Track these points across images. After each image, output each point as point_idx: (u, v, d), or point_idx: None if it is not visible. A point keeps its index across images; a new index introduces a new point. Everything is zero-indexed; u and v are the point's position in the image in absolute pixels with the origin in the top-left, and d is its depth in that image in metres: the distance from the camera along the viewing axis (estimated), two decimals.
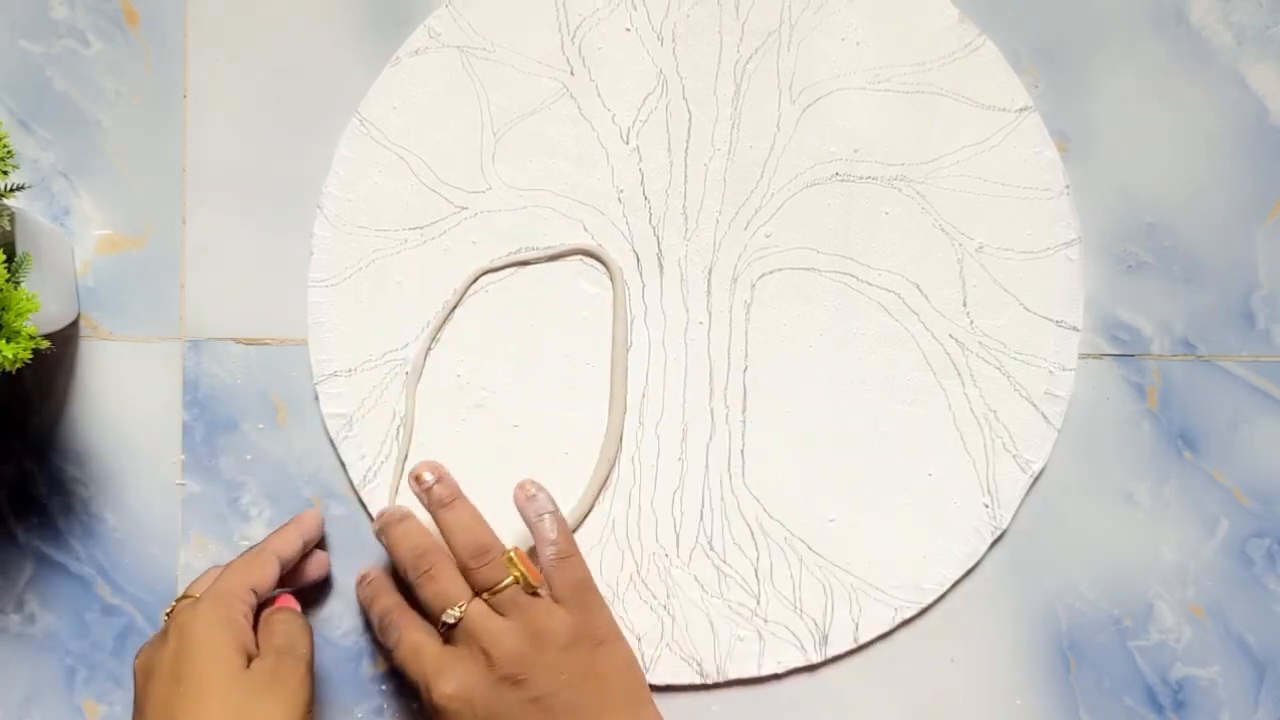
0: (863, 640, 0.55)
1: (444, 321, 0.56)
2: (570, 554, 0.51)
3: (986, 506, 0.55)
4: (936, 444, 0.55)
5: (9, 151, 0.47)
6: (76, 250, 0.56)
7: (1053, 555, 0.56)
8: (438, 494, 0.52)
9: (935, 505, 0.55)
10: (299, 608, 0.53)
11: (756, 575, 0.55)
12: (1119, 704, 0.56)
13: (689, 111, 0.56)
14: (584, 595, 0.50)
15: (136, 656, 0.50)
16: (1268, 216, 0.56)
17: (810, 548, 0.55)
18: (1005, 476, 0.55)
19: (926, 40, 0.56)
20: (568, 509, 0.55)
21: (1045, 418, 0.55)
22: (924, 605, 0.55)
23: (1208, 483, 0.56)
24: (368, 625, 0.55)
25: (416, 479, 0.52)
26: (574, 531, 0.55)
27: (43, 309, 0.47)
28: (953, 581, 0.55)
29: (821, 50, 0.56)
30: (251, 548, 0.53)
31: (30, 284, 0.48)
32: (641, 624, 0.55)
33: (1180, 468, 0.56)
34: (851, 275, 0.56)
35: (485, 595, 0.50)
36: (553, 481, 0.55)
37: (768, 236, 0.56)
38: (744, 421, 0.55)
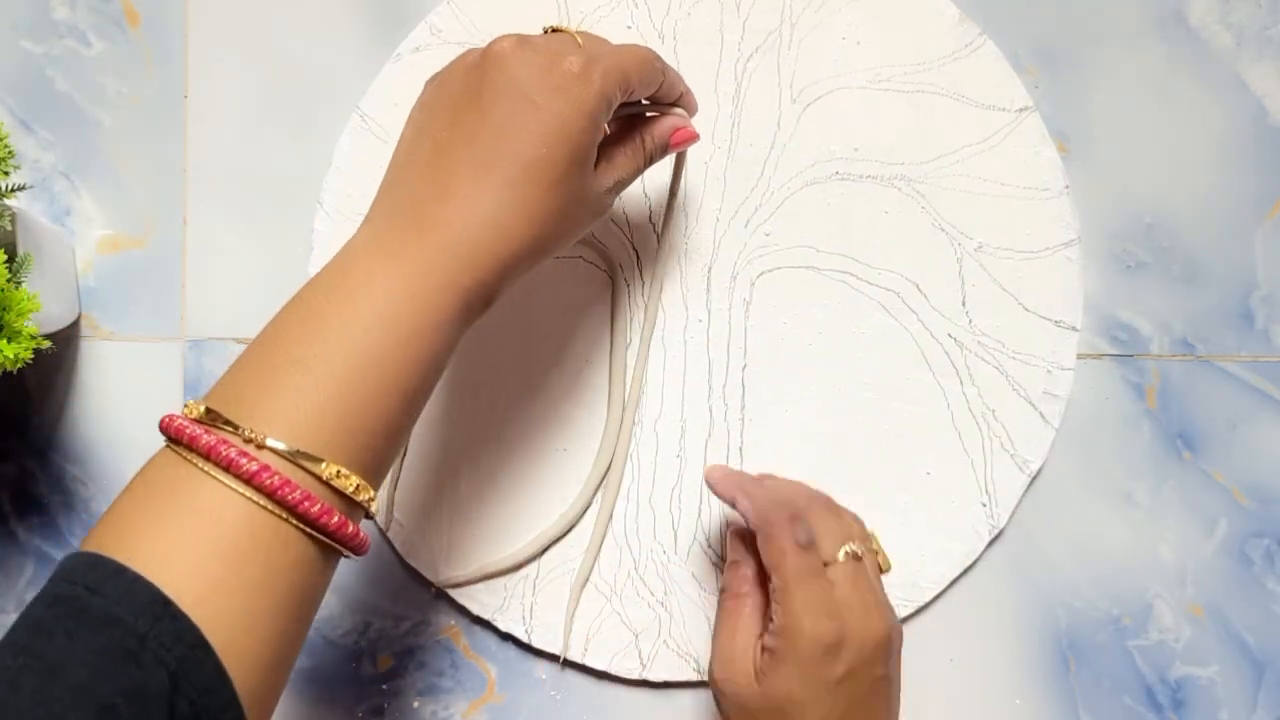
0: None
1: None
2: None
3: (984, 506, 0.55)
4: (935, 443, 0.55)
5: (10, 152, 0.47)
6: (77, 250, 0.56)
7: (1051, 555, 0.56)
8: None
9: (933, 504, 0.55)
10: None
11: None
12: (1118, 703, 0.56)
13: None
14: None
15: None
16: (1266, 216, 0.56)
17: None
18: (1003, 476, 0.55)
19: (927, 40, 0.56)
20: (565, 506, 0.55)
21: (1043, 417, 0.55)
22: (922, 604, 0.55)
23: (1207, 482, 0.56)
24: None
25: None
26: (571, 528, 0.55)
27: (44, 309, 0.47)
28: (950, 580, 0.55)
29: (822, 49, 0.56)
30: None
31: (31, 284, 0.48)
32: (639, 620, 0.55)
33: (1179, 467, 0.56)
34: (851, 274, 0.56)
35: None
36: (550, 479, 0.55)
37: (767, 235, 0.56)
38: (742, 419, 0.55)
